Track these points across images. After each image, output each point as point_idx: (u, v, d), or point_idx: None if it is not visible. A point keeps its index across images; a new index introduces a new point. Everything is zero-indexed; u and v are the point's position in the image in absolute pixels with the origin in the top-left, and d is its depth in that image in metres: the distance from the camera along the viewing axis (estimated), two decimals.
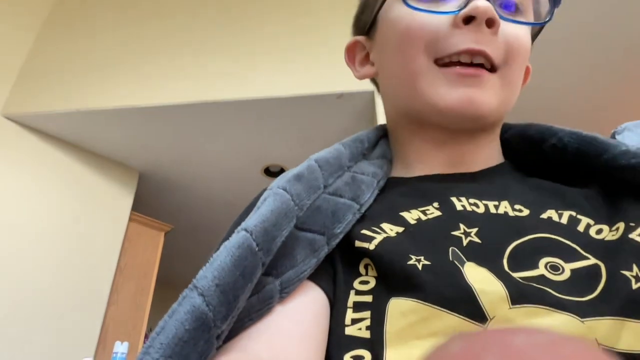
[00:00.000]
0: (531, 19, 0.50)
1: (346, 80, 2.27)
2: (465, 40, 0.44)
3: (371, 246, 0.39)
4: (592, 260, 0.35)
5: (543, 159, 0.49)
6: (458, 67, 0.45)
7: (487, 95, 0.45)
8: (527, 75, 0.54)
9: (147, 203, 3.14)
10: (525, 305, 0.32)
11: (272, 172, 2.98)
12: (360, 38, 0.58)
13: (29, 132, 2.51)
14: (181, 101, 2.38)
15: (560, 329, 0.31)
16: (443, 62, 0.46)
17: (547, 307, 0.32)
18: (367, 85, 2.38)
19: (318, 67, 2.37)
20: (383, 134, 0.58)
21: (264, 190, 0.45)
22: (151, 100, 2.41)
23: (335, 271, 0.41)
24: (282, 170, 2.84)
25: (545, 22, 0.50)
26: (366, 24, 0.56)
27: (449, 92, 0.45)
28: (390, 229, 0.41)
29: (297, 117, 2.48)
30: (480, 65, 0.45)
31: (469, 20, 0.45)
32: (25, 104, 2.46)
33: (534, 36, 0.53)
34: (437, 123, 0.48)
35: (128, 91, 2.44)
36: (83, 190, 2.63)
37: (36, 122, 2.49)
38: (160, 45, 2.58)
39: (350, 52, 0.60)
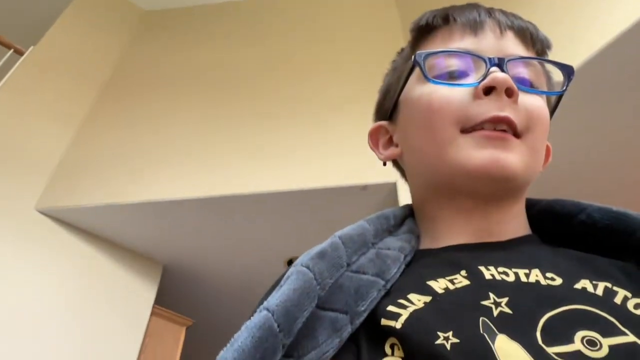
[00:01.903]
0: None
1: (370, 172, 2.30)
2: (490, 109, 0.46)
3: (398, 324, 0.37)
4: (631, 337, 0.33)
5: (571, 235, 0.48)
6: (484, 130, 0.46)
7: (514, 157, 0.45)
8: (549, 154, 0.55)
9: (170, 296, 3.11)
10: None
11: None
12: (383, 122, 0.60)
13: (59, 226, 2.57)
14: (206, 195, 2.43)
15: None
16: (468, 130, 0.47)
17: None
18: (390, 176, 2.39)
19: (342, 159, 2.41)
20: (409, 212, 0.58)
21: (288, 269, 0.45)
22: (177, 194, 2.46)
23: (359, 350, 0.39)
24: None
25: (562, 92, 0.52)
26: (388, 109, 0.58)
27: (477, 153, 0.45)
28: (418, 300, 0.39)
29: (321, 209, 2.49)
30: (504, 131, 0.46)
31: (489, 90, 0.47)
32: (58, 199, 2.55)
33: (551, 113, 0.54)
34: (466, 189, 0.48)
35: (154, 186, 2.51)
36: (107, 283, 2.63)
37: (66, 216, 2.56)
38: (186, 142, 2.69)
39: (374, 136, 0.61)
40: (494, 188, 0.47)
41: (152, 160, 2.63)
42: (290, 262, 2.93)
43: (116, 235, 2.72)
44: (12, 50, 3.07)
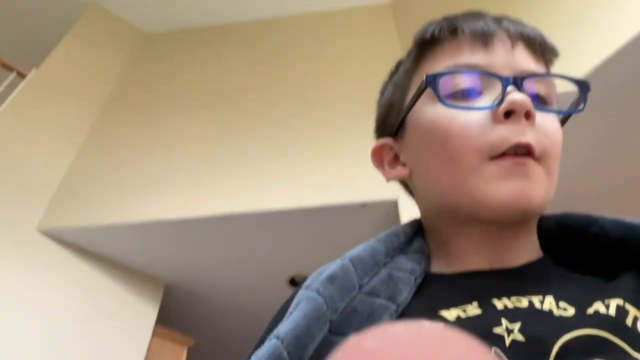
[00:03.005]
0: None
1: (370, 190, 2.31)
2: (512, 134, 0.44)
3: None
4: None
5: (584, 249, 0.47)
6: (509, 157, 0.44)
7: (536, 187, 0.44)
8: None
9: (172, 315, 3.09)
10: None
11: (297, 283, 2.93)
12: (387, 140, 0.57)
13: (60, 246, 2.57)
14: (208, 214, 2.44)
15: None
16: (491, 158, 0.45)
17: None
18: (390, 194, 2.40)
19: (341, 177, 2.42)
20: (419, 228, 0.55)
21: (298, 290, 0.45)
22: (179, 213, 2.47)
23: None
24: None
25: (580, 110, 0.49)
26: (393, 126, 0.56)
27: (501, 186, 0.43)
28: None
29: (322, 227, 2.49)
30: (525, 155, 0.45)
31: (508, 114, 0.44)
32: (59, 220, 2.55)
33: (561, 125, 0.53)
34: (486, 219, 0.46)
35: (156, 205, 2.52)
36: (109, 302, 2.62)
37: (67, 236, 2.56)
38: (187, 161, 2.71)
39: (377, 154, 0.58)
40: (513, 219, 0.46)
41: (152, 179, 2.64)
42: (292, 281, 2.93)
43: (118, 254, 2.72)
44: (14, 73, 3.10)
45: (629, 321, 0.36)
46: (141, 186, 2.62)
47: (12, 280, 2.31)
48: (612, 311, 0.37)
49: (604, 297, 0.39)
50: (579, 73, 1.76)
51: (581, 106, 0.49)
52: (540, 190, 0.44)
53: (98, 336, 2.48)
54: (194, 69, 3.30)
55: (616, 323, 0.36)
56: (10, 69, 3.12)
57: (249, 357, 0.36)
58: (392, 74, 0.60)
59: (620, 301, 0.38)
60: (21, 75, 3.09)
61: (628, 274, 0.42)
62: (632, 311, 0.37)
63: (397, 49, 2.99)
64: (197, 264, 2.84)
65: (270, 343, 0.36)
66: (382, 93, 0.61)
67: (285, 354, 0.35)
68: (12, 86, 2.97)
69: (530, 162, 0.44)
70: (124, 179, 2.67)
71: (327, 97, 2.86)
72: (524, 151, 0.44)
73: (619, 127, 1.99)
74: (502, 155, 0.44)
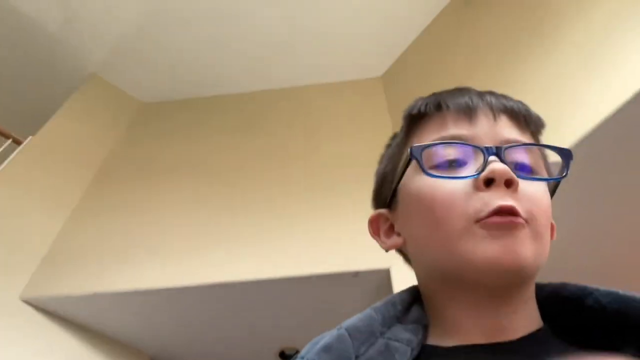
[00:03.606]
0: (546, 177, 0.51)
1: (362, 259, 2.29)
2: (493, 200, 0.45)
3: None
4: None
5: (580, 320, 0.47)
6: (496, 217, 0.45)
7: (524, 246, 0.44)
8: (553, 231, 0.54)
9: None
10: None
11: (287, 356, 2.84)
12: (383, 211, 0.59)
13: (43, 316, 2.49)
14: (195, 283, 2.39)
15: None
16: (477, 221, 0.46)
17: None
18: (382, 263, 2.38)
19: (333, 246, 2.41)
20: (417, 296, 0.55)
21: (296, 356, 0.44)
22: (165, 282, 2.42)
23: None
24: (296, 353, 2.71)
25: (562, 178, 0.51)
26: (387, 197, 0.58)
27: (487, 246, 0.44)
28: None
29: (313, 297, 2.45)
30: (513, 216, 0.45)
31: (489, 182, 0.46)
32: (43, 288, 2.48)
33: (552, 193, 0.54)
34: (475, 282, 0.47)
35: (141, 274, 2.47)
36: None
37: (50, 305, 2.49)
38: (175, 231, 2.68)
39: (374, 225, 0.60)
40: (503, 280, 0.46)
41: (139, 248, 2.60)
42: (282, 354, 2.83)
43: (101, 325, 2.63)
44: (10, 140, 3.13)
45: None
46: (126, 255, 2.58)
47: None
48: None
49: None
50: (567, 143, 1.81)
51: (564, 173, 0.51)
52: (528, 250, 0.45)
53: None
54: (188, 139, 3.35)
55: None
56: (6, 136, 3.16)
57: None
58: (388, 146, 0.63)
59: None
60: (17, 143, 3.11)
61: (627, 350, 0.42)
62: None
63: (387, 121, 3.07)
64: (183, 336, 2.74)
65: None
66: (379, 164, 0.63)
67: None
68: (7, 153, 2.99)
69: (517, 221, 0.45)
70: (112, 248, 2.64)
71: (319, 167, 2.90)
72: (509, 213, 0.45)
73: (606, 195, 2.02)
74: (488, 217, 0.45)
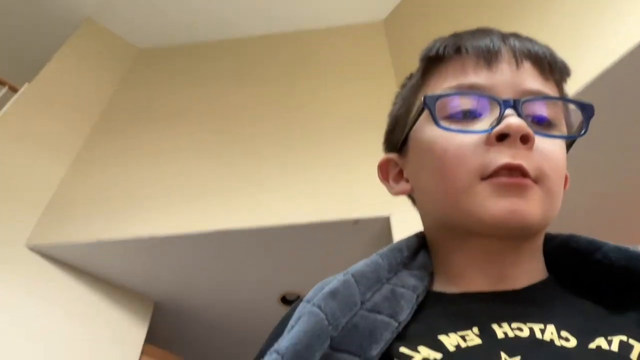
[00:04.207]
0: (564, 132, 0.50)
1: (362, 207, 2.30)
2: (502, 156, 0.44)
3: None
4: None
5: (587, 273, 0.47)
6: (501, 177, 0.44)
7: (532, 206, 0.44)
8: (566, 182, 0.53)
9: (161, 333, 3.05)
10: None
11: (288, 301, 2.91)
12: (393, 155, 0.58)
13: (49, 262, 2.53)
14: (198, 231, 2.42)
15: None
16: (484, 178, 0.45)
17: None
18: (382, 211, 2.39)
19: (333, 194, 2.42)
20: (423, 242, 0.55)
21: (298, 303, 0.44)
22: (168, 230, 2.45)
23: None
24: (298, 298, 2.78)
25: (580, 136, 0.49)
26: (398, 142, 0.57)
27: (494, 204, 0.44)
28: (428, 354, 0.39)
29: (313, 244, 2.48)
30: (521, 176, 0.44)
31: (502, 137, 0.45)
32: (48, 236, 2.52)
33: (569, 146, 0.53)
34: (482, 235, 0.47)
35: (146, 222, 2.50)
36: (97, 320, 2.57)
37: (56, 252, 2.53)
38: (178, 178, 2.69)
39: (384, 169, 0.59)
40: (511, 236, 0.46)
41: (143, 196, 2.62)
42: (284, 299, 2.90)
43: (107, 272, 2.68)
44: (6, 87, 3.09)
45: (634, 355, 0.36)
46: (132, 203, 2.60)
47: None
48: (615, 347, 0.37)
49: (606, 333, 0.38)
50: (578, 86, 1.78)
51: (583, 130, 0.49)
52: (536, 209, 0.44)
53: (86, 353, 2.43)
54: (187, 85, 3.31)
55: (620, 357, 0.36)
56: (1, 83, 3.11)
57: None
58: (403, 86, 0.61)
59: (623, 337, 0.37)
60: (13, 90, 3.07)
61: (632, 306, 0.42)
62: (637, 346, 0.36)
63: (389, 67, 3.01)
64: (186, 282, 2.81)
65: (271, 358, 0.36)
66: (393, 105, 0.61)
67: None
68: (4, 101, 2.96)
69: (524, 183, 0.44)
70: (115, 195, 2.65)
71: (319, 114, 2.87)
72: (517, 173, 0.44)
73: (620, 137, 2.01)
74: (495, 175, 0.44)
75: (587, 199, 2.13)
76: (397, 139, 0.57)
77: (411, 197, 0.59)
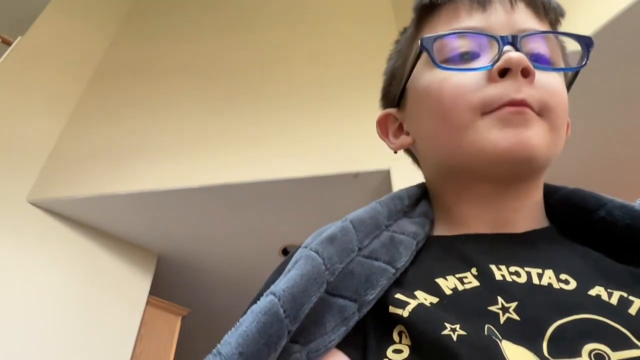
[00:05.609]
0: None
1: (362, 160, 2.30)
2: (506, 91, 0.44)
3: (405, 313, 0.37)
4: None
5: (590, 228, 0.46)
6: (507, 107, 0.43)
7: (536, 136, 0.43)
8: (568, 128, 0.52)
9: (165, 286, 3.11)
10: None
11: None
12: (391, 110, 0.58)
13: (51, 217, 2.56)
14: (199, 184, 2.43)
15: None
16: (487, 113, 0.45)
17: None
18: (382, 164, 2.39)
19: (333, 147, 2.41)
20: (424, 192, 0.55)
21: (298, 248, 0.44)
22: (170, 184, 2.46)
23: (366, 337, 0.39)
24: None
25: (581, 67, 0.49)
26: (396, 96, 0.56)
27: (499, 136, 0.43)
28: (425, 298, 0.39)
29: (314, 198, 2.49)
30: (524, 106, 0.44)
31: (504, 72, 0.44)
32: (49, 190, 2.53)
33: (568, 86, 0.52)
34: (484, 174, 0.46)
35: (147, 176, 2.50)
36: (101, 273, 2.62)
37: (58, 207, 2.55)
38: (179, 132, 2.68)
39: (382, 125, 0.59)
40: (514, 170, 0.45)
41: (144, 150, 2.61)
42: (285, 251, 2.94)
43: (110, 226, 2.71)
44: None
45: (632, 310, 0.35)
46: (132, 156, 2.59)
47: (1, 251, 2.30)
48: (615, 300, 0.37)
49: (607, 285, 0.38)
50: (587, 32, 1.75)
51: (584, 62, 0.48)
52: (541, 140, 0.44)
53: (91, 306, 2.49)
54: (182, 38, 3.24)
55: (618, 311, 0.35)
56: None
57: (245, 312, 0.36)
58: (397, 42, 0.60)
59: (624, 293, 0.37)
60: (6, 43, 3.01)
61: (634, 263, 0.41)
62: (637, 302, 0.36)
63: (391, 19, 2.94)
64: (189, 235, 2.84)
65: (267, 299, 0.36)
66: (387, 62, 0.60)
67: (281, 310, 0.35)
68: None
69: (528, 112, 0.43)
70: (115, 149, 2.64)
71: (319, 68, 2.82)
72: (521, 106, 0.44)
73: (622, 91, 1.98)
74: (497, 109, 0.44)
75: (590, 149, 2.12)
76: (395, 92, 0.56)
77: (411, 153, 0.59)
